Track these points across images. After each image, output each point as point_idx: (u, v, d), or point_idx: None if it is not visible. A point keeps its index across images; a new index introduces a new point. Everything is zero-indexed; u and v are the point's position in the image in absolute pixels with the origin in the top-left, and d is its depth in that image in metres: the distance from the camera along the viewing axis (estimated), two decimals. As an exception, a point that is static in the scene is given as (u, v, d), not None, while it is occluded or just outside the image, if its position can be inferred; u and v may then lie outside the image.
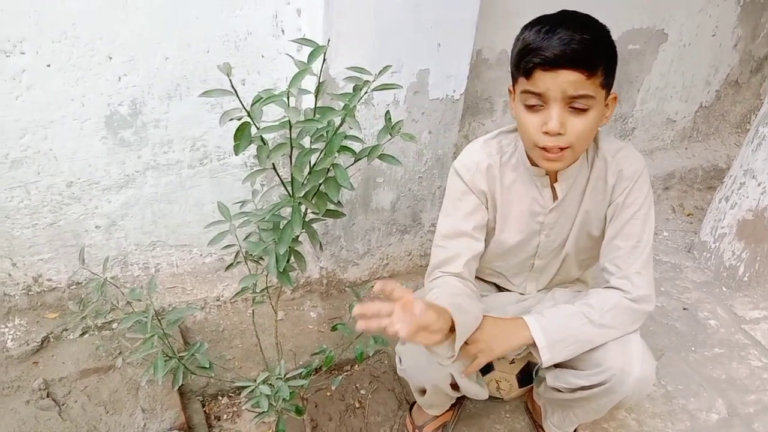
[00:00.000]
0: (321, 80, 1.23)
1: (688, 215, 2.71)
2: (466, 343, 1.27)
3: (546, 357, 1.28)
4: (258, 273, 1.42)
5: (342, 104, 1.19)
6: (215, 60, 1.68)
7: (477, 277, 1.56)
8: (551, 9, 2.03)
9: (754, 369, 1.99)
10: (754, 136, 2.18)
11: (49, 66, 1.53)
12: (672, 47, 2.44)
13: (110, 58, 1.58)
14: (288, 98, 1.07)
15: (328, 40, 1.19)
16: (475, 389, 1.43)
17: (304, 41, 1.17)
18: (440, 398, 1.56)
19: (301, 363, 1.86)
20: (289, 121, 1.04)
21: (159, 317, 1.60)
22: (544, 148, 1.20)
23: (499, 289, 1.62)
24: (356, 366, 1.90)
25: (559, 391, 1.39)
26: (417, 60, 1.73)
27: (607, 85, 1.18)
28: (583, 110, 1.16)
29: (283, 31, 1.71)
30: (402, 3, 1.61)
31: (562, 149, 1.19)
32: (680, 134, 2.80)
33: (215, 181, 1.87)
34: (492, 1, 1.93)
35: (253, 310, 1.59)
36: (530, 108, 1.19)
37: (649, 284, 1.32)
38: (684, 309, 2.20)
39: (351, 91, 1.24)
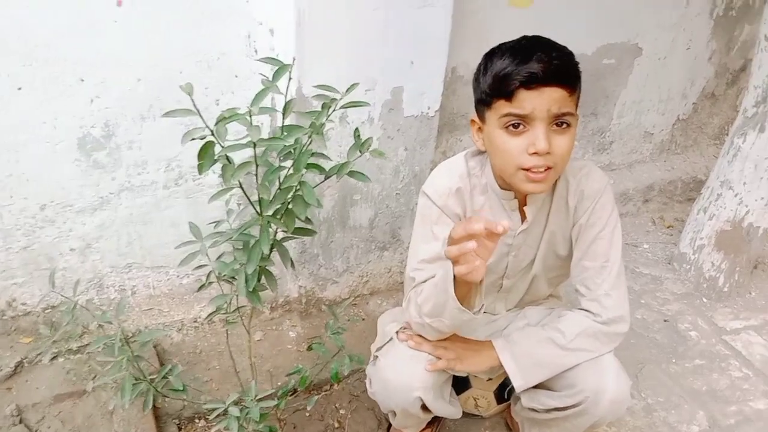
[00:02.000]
0: (289, 98, 1.24)
1: (669, 227, 2.72)
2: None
3: (519, 383, 1.28)
4: (230, 294, 1.41)
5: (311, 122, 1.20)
6: (188, 80, 1.66)
7: None
8: (525, 25, 2.05)
9: (734, 380, 1.99)
10: (729, 147, 2.20)
11: (19, 89, 1.53)
12: (647, 61, 2.46)
13: (82, 80, 1.57)
14: (250, 116, 1.07)
15: (293, 59, 1.19)
16: (448, 410, 1.42)
17: (269, 60, 1.18)
18: (412, 420, 1.54)
19: (278, 384, 1.84)
20: (252, 138, 1.04)
21: (130, 340, 1.59)
22: (528, 170, 1.17)
23: None
24: (335, 385, 1.89)
25: (535, 410, 1.38)
26: (391, 78, 1.74)
27: (578, 104, 1.20)
28: (566, 128, 1.17)
29: (256, 50, 1.72)
30: (374, 22, 1.62)
31: (547, 169, 1.17)
32: (658, 147, 2.82)
33: (191, 202, 1.86)
34: (464, 19, 1.95)
35: (227, 331, 1.58)
36: (512, 131, 1.17)
37: (620, 305, 1.31)
38: (665, 321, 2.20)
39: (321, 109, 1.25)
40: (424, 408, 1.40)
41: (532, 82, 1.12)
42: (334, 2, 1.55)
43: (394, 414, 1.50)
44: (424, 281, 1.28)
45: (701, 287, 2.35)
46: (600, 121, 2.54)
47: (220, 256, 1.48)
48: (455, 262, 1.08)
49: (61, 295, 1.52)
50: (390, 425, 1.72)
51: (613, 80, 2.45)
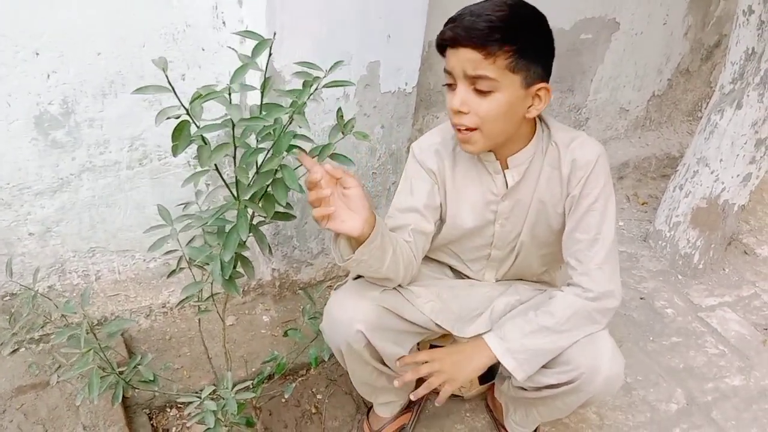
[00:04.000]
0: (267, 75, 1.16)
1: (643, 204, 2.72)
2: (422, 379, 1.30)
3: (521, 376, 1.26)
4: (203, 280, 1.34)
5: (290, 101, 1.12)
6: (152, 54, 1.58)
7: (433, 259, 1.55)
8: None
9: (711, 357, 2.00)
10: (706, 124, 2.19)
11: (-33, 63, 1.42)
12: (624, 36, 2.43)
13: (37, 54, 1.46)
14: (230, 95, 0.99)
15: (274, 34, 1.11)
16: (393, 350, 1.37)
17: (247, 34, 1.10)
18: (394, 395, 1.52)
19: (253, 370, 1.79)
20: (231, 119, 0.96)
21: (96, 329, 1.51)
22: (458, 129, 1.21)
23: (455, 273, 1.57)
24: (312, 370, 1.84)
25: (524, 389, 1.35)
26: (367, 52, 1.67)
27: (520, 69, 1.14)
28: (487, 92, 1.16)
29: (224, 22, 1.62)
30: (349, -8, 1.54)
31: (469, 130, 1.19)
32: (633, 123, 2.80)
33: (156, 182, 1.77)
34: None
35: (199, 319, 1.51)
36: (448, 90, 1.21)
37: (611, 279, 1.29)
38: (641, 298, 2.20)
39: (298, 86, 1.18)
40: (375, 356, 1.36)
41: (449, 41, 1.16)
42: (307, -29, 1.46)
43: (367, 389, 1.50)
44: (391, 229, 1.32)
45: (677, 264, 2.35)
46: (576, 97, 2.51)
47: (190, 240, 1.41)
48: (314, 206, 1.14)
49: (20, 284, 1.44)
50: (369, 410, 1.68)
51: (590, 56, 2.41)
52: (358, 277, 1.38)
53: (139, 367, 1.44)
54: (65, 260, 1.81)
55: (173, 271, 1.38)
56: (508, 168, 1.31)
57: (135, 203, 1.80)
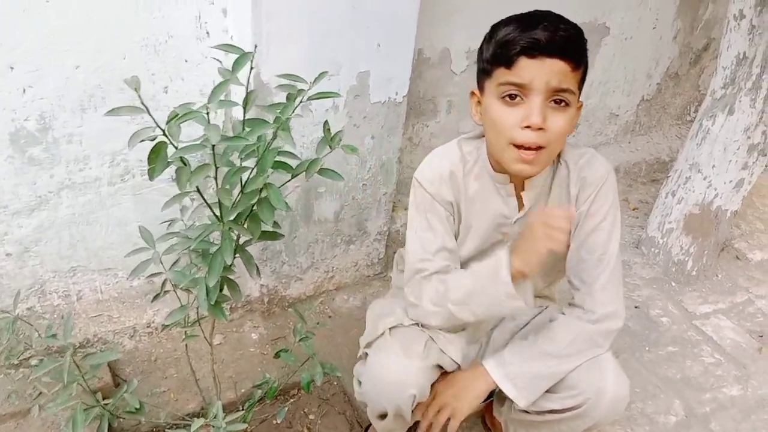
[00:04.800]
0: (250, 89, 1.11)
1: (634, 210, 2.70)
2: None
3: (523, 403, 1.22)
4: (188, 304, 1.28)
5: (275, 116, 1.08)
6: (133, 66, 1.52)
7: None
8: (492, 6, 1.95)
9: (707, 366, 1.97)
10: (698, 130, 2.16)
11: (-63, 79, 1.35)
12: (614, 41, 2.40)
13: (11, 68, 1.40)
14: (207, 114, 0.94)
15: (255, 47, 1.07)
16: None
17: (227, 47, 1.05)
18: (400, 422, 1.46)
19: (243, 391, 1.73)
20: (210, 140, 0.91)
21: (79, 352, 1.45)
22: (520, 147, 1.12)
23: None
24: (317, 382, 1.78)
25: (527, 412, 1.31)
26: (356, 62, 1.62)
27: (582, 86, 1.13)
28: (564, 106, 1.10)
29: (208, 33, 1.57)
30: (338, 1, 1.49)
31: (538, 149, 1.11)
32: (623, 128, 2.78)
33: (139, 198, 1.71)
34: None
35: (186, 345, 1.45)
36: (508, 101, 1.12)
37: (614, 300, 1.25)
38: (636, 307, 2.17)
39: (284, 99, 1.13)
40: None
41: (534, 50, 1.07)
42: (294, -20, 1.41)
43: (382, 418, 1.41)
44: (437, 272, 1.27)
45: (670, 271, 2.33)
46: (566, 103, 2.48)
47: (176, 262, 1.35)
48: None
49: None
50: (366, 429, 1.63)
51: (580, 61, 2.38)
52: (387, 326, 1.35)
53: (125, 395, 1.38)
54: (45, 281, 1.75)
55: (157, 295, 1.33)
56: (524, 190, 1.26)
57: (117, 220, 1.74)
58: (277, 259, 1.88)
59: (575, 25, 1.12)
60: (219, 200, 1.06)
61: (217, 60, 1.14)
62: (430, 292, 1.25)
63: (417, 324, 1.32)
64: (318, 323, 1.58)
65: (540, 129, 1.09)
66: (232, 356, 1.86)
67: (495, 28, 1.15)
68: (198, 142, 0.94)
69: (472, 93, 1.23)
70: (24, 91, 1.44)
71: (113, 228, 1.75)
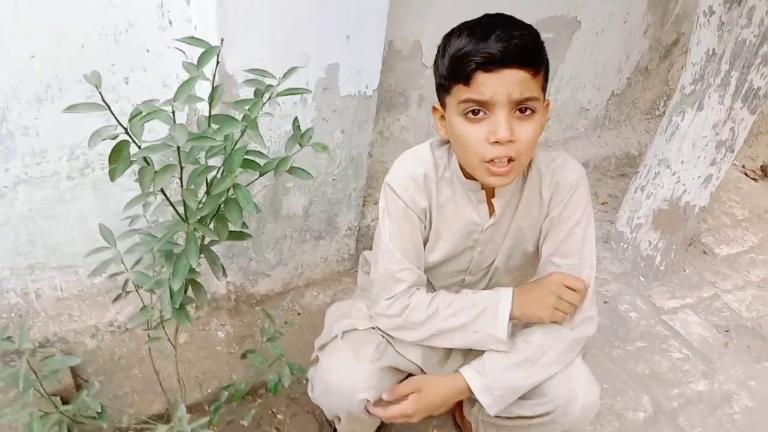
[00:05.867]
0: (216, 84, 1.06)
1: (603, 204, 2.71)
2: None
3: (494, 410, 1.20)
4: (151, 306, 1.23)
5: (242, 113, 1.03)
6: (91, 56, 1.46)
7: None
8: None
9: (675, 361, 1.99)
10: (667, 125, 2.17)
11: None
12: (585, 35, 2.39)
13: (-40, 56, 1.33)
14: (173, 113, 0.89)
15: (222, 41, 1.01)
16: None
17: (192, 41, 1.00)
18: (360, 425, 1.44)
19: (209, 391, 1.69)
20: (176, 141, 0.86)
21: (39, 353, 1.39)
22: (491, 162, 1.08)
23: None
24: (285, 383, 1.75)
25: (498, 416, 1.29)
26: (325, 54, 1.58)
27: (546, 86, 1.10)
28: (530, 115, 1.07)
29: (170, 22, 1.51)
30: (305, -9, 1.45)
31: (510, 161, 1.07)
32: (593, 123, 2.78)
33: (99, 193, 1.65)
34: (401, -11, 1.79)
35: (149, 348, 1.40)
36: (472, 118, 1.07)
37: (592, 305, 1.23)
38: (605, 302, 2.18)
39: (251, 92, 1.08)
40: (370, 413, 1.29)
41: (491, 64, 1.02)
42: (261, -31, 1.36)
43: (339, 419, 1.39)
44: (415, 284, 1.26)
45: (638, 266, 2.34)
46: (537, 97, 2.47)
47: (138, 261, 1.30)
48: None
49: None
50: (335, 430, 1.61)
51: (551, 55, 2.32)
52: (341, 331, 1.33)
53: (85, 398, 1.33)
54: (1, 279, 1.67)
55: (119, 296, 1.28)
56: (494, 196, 1.23)
57: (77, 216, 1.67)
58: (244, 255, 1.83)
59: (530, 27, 1.08)
60: (183, 201, 1.01)
61: (181, 51, 1.09)
62: (416, 313, 1.23)
63: (373, 328, 1.30)
64: (286, 322, 1.54)
65: (509, 141, 1.06)
66: (198, 355, 1.82)
67: (447, 40, 1.10)
68: (162, 142, 0.89)
69: (434, 108, 1.19)
70: (-25, 81, 1.36)
71: (73, 224, 1.68)
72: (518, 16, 2.22)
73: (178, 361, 1.68)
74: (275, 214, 1.80)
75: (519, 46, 1.02)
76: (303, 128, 1.65)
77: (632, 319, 2.13)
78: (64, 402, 1.26)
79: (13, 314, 1.72)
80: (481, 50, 1.02)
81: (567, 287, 1.16)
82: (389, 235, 1.24)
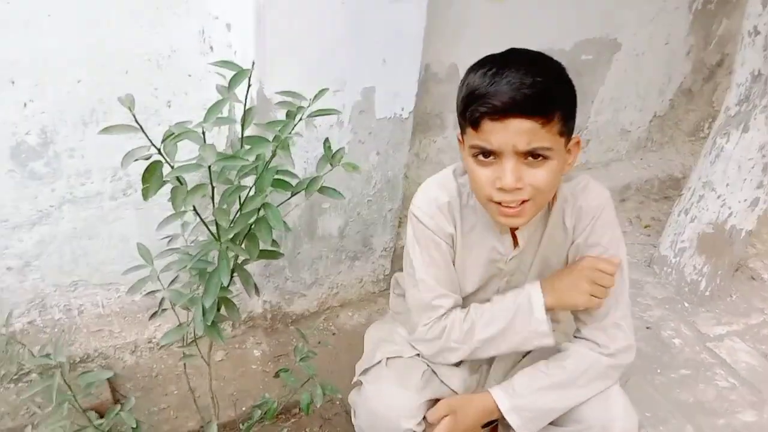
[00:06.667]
0: (249, 106, 1.09)
1: (646, 227, 2.65)
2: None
3: None
4: (186, 323, 1.26)
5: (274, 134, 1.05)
6: (135, 81, 1.51)
7: None
8: (501, 19, 1.92)
9: (721, 390, 1.92)
10: (711, 147, 2.12)
11: (-61, 92, 1.35)
12: (626, 56, 2.37)
13: (12, 82, 1.40)
14: (204, 134, 0.92)
15: (252, 64, 1.04)
16: None
17: (225, 64, 1.03)
18: None
19: (243, 409, 1.70)
20: (205, 161, 0.89)
21: (79, 367, 1.42)
22: (499, 203, 1.07)
23: None
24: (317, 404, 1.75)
25: None
26: (361, 77, 1.60)
27: (567, 131, 1.05)
28: (542, 160, 1.03)
29: (211, 47, 1.56)
30: (342, 16, 1.48)
31: (522, 202, 1.06)
32: (635, 145, 2.74)
33: (141, 213, 1.69)
34: (440, 12, 1.81)
35: (185, 364, 1.42)
36: (482, 161, 1.06)
37: (629, 334, 1.21)
38: (647, 328, 2.12)
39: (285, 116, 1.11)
40: None
41: (496, 113, 0.99)
42: (298, -5, 1.39)
43: None
44: (452, 308, 1.25)
45: (683, 291, 2.28)
46: (577, 119, 2.42)
47: (175, 279, 1.33)
48: None
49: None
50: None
51: (591, 77, 2.35)
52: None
53: (121, 413, 1.35)
54: (46, 295, 1.73)
55: (155, 313, 1.30)
56: (518, 228, 1.21)
57: (119, 235, 1.72)
58: (280, 275, 1.85)
59: (549, 70, 1.03)
60: (215, 220, 1.04)
61: (221, 75, 1.12)
62: (454, 332, 1.22)
63: (417, 354, 1.29)
64: (320, 342, 1.55)
65: (516, 188, 1.03)
66: (233, 373, 1.83)
67: (467, 74, 1.08)
68: (193, 162, 0.92)
69: (458, 138, 1.17)
70: (25, 105, 1.43)
71: (115, 243, 1.73)
72: (556, 38, 2.23)
73: (214, 378, 1.70)
74: (311, 235, 1.82)
75: (527, 96, 0.97)
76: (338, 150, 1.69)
77: (676, 345, 2.06)
78: (102, 417, 1.29)
79: (56, 329, 1.77)
80: (487, 97, 0.99)
81: (600, 270, 1.14)
82: (421, 264, 1.23)
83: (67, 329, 1.78)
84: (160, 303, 1.29)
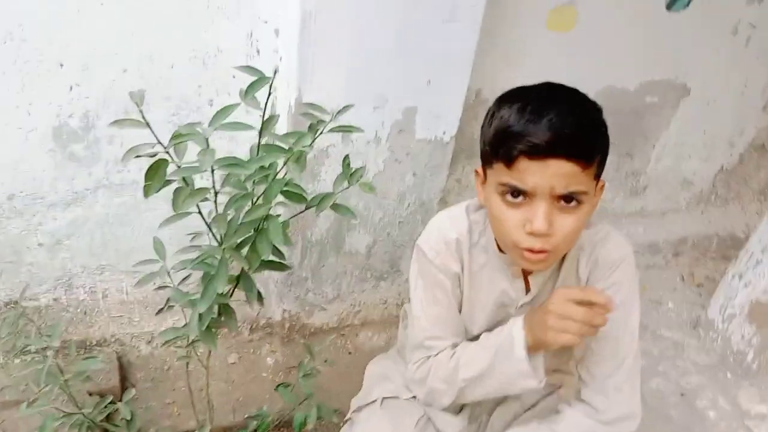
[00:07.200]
0: (275, 113, 1.08)
1: (698, 286, 2.49)
2: None
3: None
4: (184, 326, 1.25)
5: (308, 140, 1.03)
6: (180, 76, 1.53)
7: None
8: (562, 51, 1.84)
9: (754, 474, 1.77)
10: (776, 210, 1.97)
11: (-8, 67, 1.39)
12: (694, 102, 2.24)
13: (61, 65, 1.43)
14: (207, 138, 0.90)
15: (275, 72, 1.02)
16: None
17: (248, 69, 1.02)
18: None
19: (244, 417, 1.68)
20: (203, 165, 0.87)
21: (83, 357, 1.43)
22: (525, 249, 0.99)
23: None
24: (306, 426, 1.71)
25: None
26: (403, 96, 1.56)
27: (599, 174, 0.99)
28: (576, 206, 0.96)
29: (258, 51, 1.56)
30: (388, 33, 1.45)
31: (544, 251, 0.98)
32: (697, 197, 2.58)
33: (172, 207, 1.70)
34: (495, 38, 1.76)
35: (187, 364, 1.42)
36: (510, 201, 0.98)
37: (631, 400, 1.11)
38: (681, 395, 1.98)
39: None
40: None
41: (535, 152, 0.92)
42: (344, 7, 1.37)
43: None
44: (443, 350, 1.16)
45: (727, 360, 2.12)
46: (635, 163, 2.33)
47: (186, 277, 1.32)
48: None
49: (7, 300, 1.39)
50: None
51: (654, 120, 2.23)
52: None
53: (118, 404, 1.35)
54: (73, 274, 1.77)
55: (161, 309, 1.30)
56: (531, 272, 1.14)
57: (149, 225, 1.74)
58: (302, 285, 1.83)
59: (590, 111, 0.97)
60: (218, 226, 1.02)
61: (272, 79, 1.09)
62: (440, 370, 1.14)
63: (415, 397, 1.23)
64: (326, 361, 1.51)
65: (545, 235, 0.96)
66: (244, 378, 1.82)
67: (498, 105, 1.01)
68: (194, 165, 0.91)
69: (476, 172, 1.11)
70: (71, 88, 1.46)
71: (145, 232, 1.75)
72: (619, 77, 2.13)
73: (223, 380, 1.70)
74: (337, 249, 1.79)
75: (570, 137, 0.91)
76: (374, 168, 1.66)
77: (710, 418, 1.92)
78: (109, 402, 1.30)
79: (79, 310, 1.80)
80: (527, 135, 0.92)
81: (578, 302, 0.97)
82: (419, 300, 1.18)
83: (89, 311, 1.82)
84: (167, 300, 1.29)
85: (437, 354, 1.16)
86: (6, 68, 1.39)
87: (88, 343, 1.75)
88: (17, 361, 1.66)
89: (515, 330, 1.05)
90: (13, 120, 1.47)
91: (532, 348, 1.04)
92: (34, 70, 1.42)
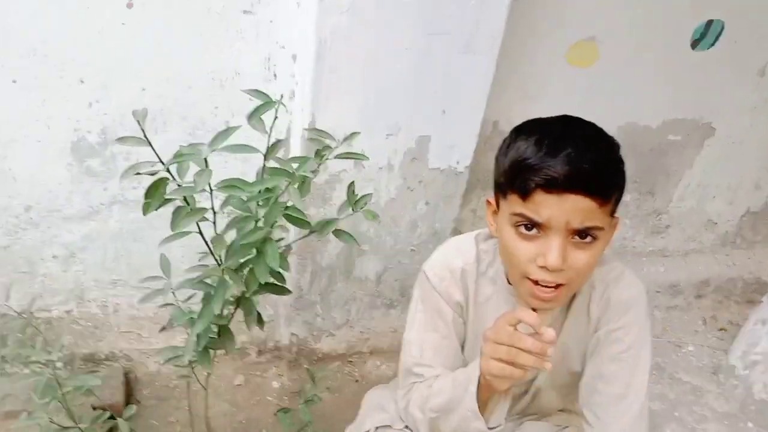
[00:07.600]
0: (282, 138, 1.08)
1: (721, 330, 2.42)
2: None
3: None
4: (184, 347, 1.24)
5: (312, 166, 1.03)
6: (198, 97, 1.55)
7: None
8: (582, 86, 1.82)
9: None
10: (801, 256, 1.91)
11: (14, 82, 1.44)
12: (719, 143, 2.20)
13: (81, 81, 1.47)
14: (206, 159, 0.91)
15: (281, 96, 1.03)
16: None
17: (254, 93, 1.03)
18: None
19: (244, 441, 1.67)
20: (198, 185, 0.88)
21: (85, 371, 1.43)
22: (536, 283, 0.97)
23: None
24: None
25: None
26: (417, 125, 1.56)
27: (615, 210, 0.98)
28: (590, 242, 0.94)
29: (275, 75, 1.57)
30: (404, 62, 1.45)
31: (558, 286, 0.96)
32: (721, 238, 2.52)
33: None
34: (513, 70, 1.75)
35: (188, 383, 1.41)
36: (524, 233, 0.96)
37: None
38: (698, 442, 1.91)
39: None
40: None
41: (553, 186, 0.90)
42: (360, 35, 1.38)
43: None
44: (428, 378, 1.12)
45: (747, 409, 2.04)
46: (657, 201, 2.28)
47: (191, 296, 1.33)
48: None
49: (15, 312, 1.40)
50: None
51: (677, 159, 2.19)
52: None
53: (118, 420, 1.35)
54: (85, 288, 1.79)
55: (163, 327, 1.31)
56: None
57: (162, 242, 1.75)
58: (310, 310, 1.82)
59: (609, 146, 0.96)
60: (217, 246, 1.02)
61: (282, 104, 1.10)
62: (418, 398, 1.11)
63: (407, 427, 1.20)
64: (328, 388, 1.50)
65: (559, 270, 0.94)
66: (248, 401, 1.81)
67: (514, 136, 1.00)
68: (191, 185, 0.91)
69: (488, 202, 1.10)
70: (90, 105, 1.50)
71: (157, 249, 1.75)
72: (642, 114, 2.10)
73: (227, 402, 1.68)
74: (347, 274, 1.78)
75: (589, 173, 0.90)
76: (386, 195, 1.65)
77: (727, 468, 1.85)
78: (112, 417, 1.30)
79: (89, 323, 1.81)
80: (545, 168, 0.90)
81: (503, 327, 0.91)
82: (415, 324, 1.15)
83: (99, 325, 1.83)
84: (170, 319, 1.29)
85: (423, 382, 1.13)
86: (28, 82, 1.43)
87: (96, 357, 1.76)
88: (26, 371, 1.67)
89: (476, 363, 1.00)
90: (33, 133, 1.50)
91: (485, 386, 0.99)
92: (55, 85, 1.45)
